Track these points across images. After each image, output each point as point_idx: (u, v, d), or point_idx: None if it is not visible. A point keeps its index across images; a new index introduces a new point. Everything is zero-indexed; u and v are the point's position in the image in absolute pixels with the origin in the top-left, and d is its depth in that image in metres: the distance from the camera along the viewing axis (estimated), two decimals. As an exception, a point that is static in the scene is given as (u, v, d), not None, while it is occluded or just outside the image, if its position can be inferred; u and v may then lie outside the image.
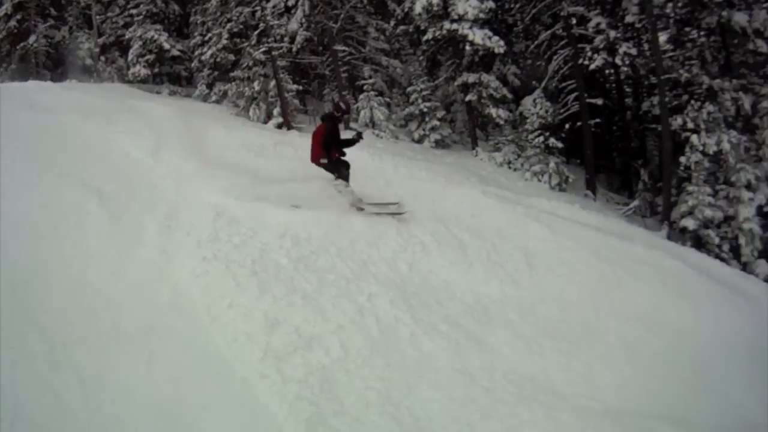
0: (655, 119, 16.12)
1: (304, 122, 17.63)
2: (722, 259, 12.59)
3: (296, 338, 5.82)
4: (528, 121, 15.33)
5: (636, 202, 15.25)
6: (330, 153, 8.89)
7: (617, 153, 19.60)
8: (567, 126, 16.00)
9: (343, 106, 9.69)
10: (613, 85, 19.92)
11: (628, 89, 20.79)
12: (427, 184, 11.04)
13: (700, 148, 13.57)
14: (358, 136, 9.39)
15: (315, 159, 8.88)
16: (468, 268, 8.02)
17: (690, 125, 13.86)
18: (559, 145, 15.03)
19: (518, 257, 8.46)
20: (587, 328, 7.01)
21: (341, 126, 10.11)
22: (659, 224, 14.38)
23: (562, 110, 16.26)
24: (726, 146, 13.38)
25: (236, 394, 5.05)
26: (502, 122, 16.23)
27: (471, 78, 16.15)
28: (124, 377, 5.03)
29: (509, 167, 15.42)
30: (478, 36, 15.37)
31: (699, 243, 13.69)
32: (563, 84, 16.88)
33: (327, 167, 8.97)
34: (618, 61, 16.26)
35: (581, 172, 16.42)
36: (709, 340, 6.99)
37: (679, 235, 13.84)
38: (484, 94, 16.15)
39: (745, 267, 13.26)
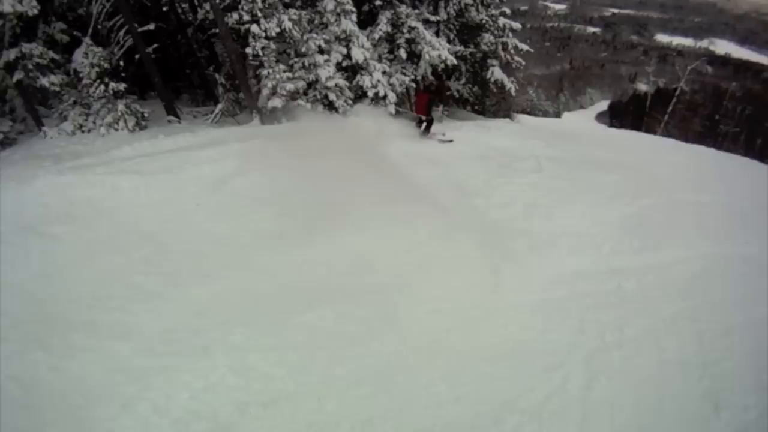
0: (213, 23, 16.24)
1: None
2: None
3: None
4: (84, 74, 13.77)
5: (220, 106, 16.23)
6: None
7: (191, 69, 19.45)
8: (127, 64, 14.98)
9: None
10: (166, 5, 19.12)
11: (184, 4, 20.30)
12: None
13: (263, 34, 14.32)
14: None
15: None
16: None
17: (247, 18, 14.33)
18: (122, 86, 14.24)
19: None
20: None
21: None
22: (251, 115, 15.70)
23: (117, 50, 15.07)
24: (288, 24, 14.38)
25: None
26: (58, 89, 14.32)
27: (12, 54, 13.51)
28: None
29: (82, 131, 14.00)
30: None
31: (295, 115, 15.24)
32: (111, 23, 15.52)
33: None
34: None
35: (159, 102, 15.94)
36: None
37: (273, 116, 15.19)
38: (30, 66, 13.81)
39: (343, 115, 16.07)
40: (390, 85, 17.13)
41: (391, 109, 16.71)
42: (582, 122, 57.22)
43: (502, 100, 27.78)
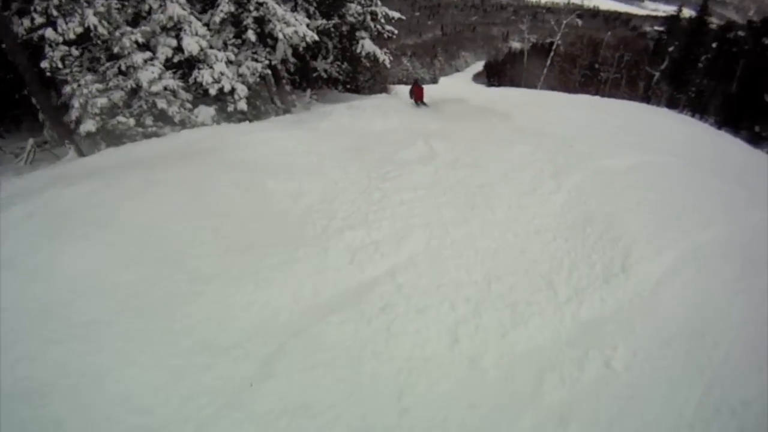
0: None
1: None
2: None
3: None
4: None
5: (31, 142, 12.93)
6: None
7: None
8: None
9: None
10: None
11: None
12: None
13: (61, 39, 11.33)
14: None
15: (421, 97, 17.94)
16: None
17: (41, 20, 11.28)
18: None
19: None
20: None
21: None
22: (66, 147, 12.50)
23: None
24: (93, 20, 11.36)
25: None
26: None
27: None
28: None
29: None
30: None
31: (121, 136, 11.93)
32: None
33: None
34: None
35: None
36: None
37: (92, 142, 11.89)
38: None
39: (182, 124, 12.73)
40: (240, 76, 14.10)
41: (242, 105, 13.69)
42: (460, 84, 56.50)
43: (377, 74, 25.97)
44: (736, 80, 30.31)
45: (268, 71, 15.24)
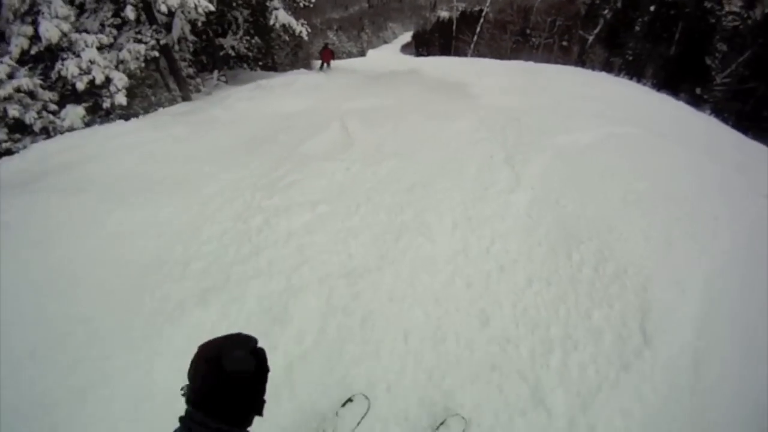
0: None
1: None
2: None
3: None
4: None
5: None
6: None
7: None
8: None
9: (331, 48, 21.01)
10: None
11: None
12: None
13: None
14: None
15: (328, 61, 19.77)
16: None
17: None
18: None
19: None
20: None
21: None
22: None
23: None
24: None
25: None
26: None
27: None
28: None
29: None
30: None
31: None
32: None
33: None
34: None
35: None
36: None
37: None
38: None
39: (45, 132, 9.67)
40: (121, 62, 11.50)
41: (120, 98, 11.00)
42: (388, 56, 54.43)
43: (297, 49, 23.87)
44: (675, 43, 29.68)
45: (156, 53, 12.54)
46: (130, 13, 11.57)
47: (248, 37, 17.77)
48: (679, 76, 28.32)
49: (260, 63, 19.87)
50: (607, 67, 32.85)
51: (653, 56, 31.57)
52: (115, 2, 11.99)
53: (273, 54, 22.07)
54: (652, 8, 31.82)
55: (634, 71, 32.25)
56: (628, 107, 11.08)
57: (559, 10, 40.58)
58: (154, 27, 12.45)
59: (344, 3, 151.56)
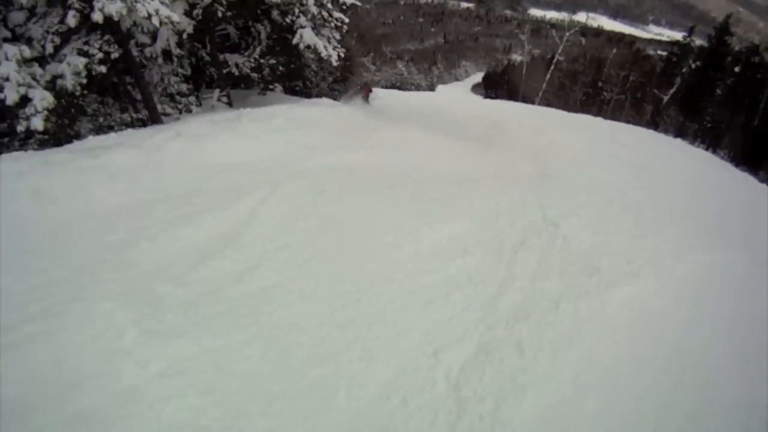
0: None
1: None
2: None
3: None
4: None
5: None
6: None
7: None
8: None
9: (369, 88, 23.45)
10: None
11: None
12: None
13: None
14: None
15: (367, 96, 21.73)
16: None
17: None
18: None
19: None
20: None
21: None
22: None
23: None
24: None
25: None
26: None
27: None
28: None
29: None
30: None
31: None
32: None
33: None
34: None
35: None
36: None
37: None
38: None
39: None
40: (59, 77, 9.49)
41: (37, 122, 8.89)
42: (456, 93, 53.06)
43: (329, 74, 23.08)
44: (759, 113, 26.19)
45: (103, 69, 10.22)
46: (71, 19, 9.35)
47: (270, 56, 15.52)
48: (762, 151, 24.81)
49: (286, 84, 17.88)
50: (682, 133, 29.58)
51: (734, 125, 28.02)
52: (62, 6, 9.92)
53: (305, 78, 20.27)
54: (736, 69, 28.38)
55: (710, 140, 28.86)
56: (729, 204, 8.35)
57: (634, 64, 37.62)
58: (106, 38, 10.39)
59: (420, 35, 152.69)
